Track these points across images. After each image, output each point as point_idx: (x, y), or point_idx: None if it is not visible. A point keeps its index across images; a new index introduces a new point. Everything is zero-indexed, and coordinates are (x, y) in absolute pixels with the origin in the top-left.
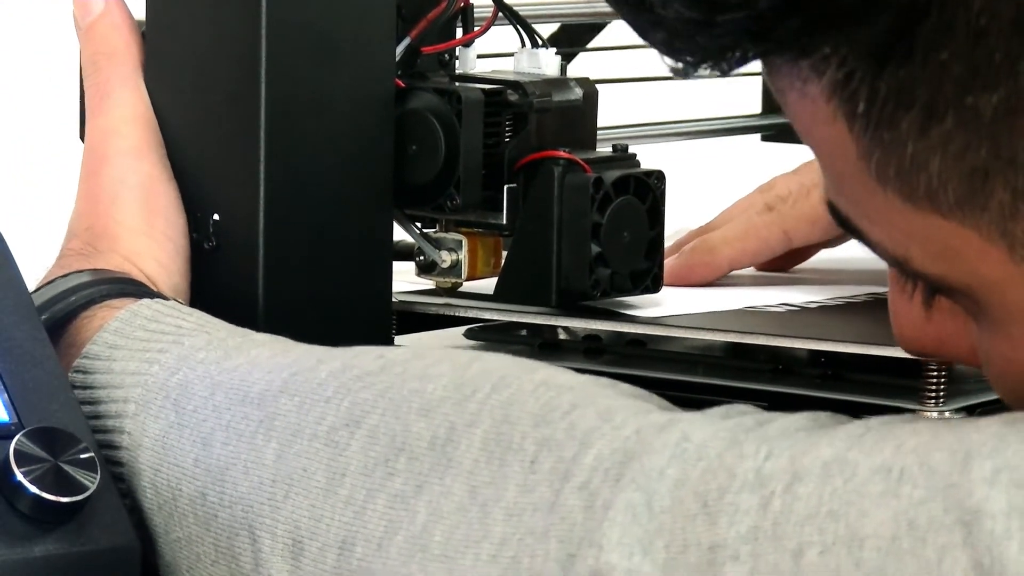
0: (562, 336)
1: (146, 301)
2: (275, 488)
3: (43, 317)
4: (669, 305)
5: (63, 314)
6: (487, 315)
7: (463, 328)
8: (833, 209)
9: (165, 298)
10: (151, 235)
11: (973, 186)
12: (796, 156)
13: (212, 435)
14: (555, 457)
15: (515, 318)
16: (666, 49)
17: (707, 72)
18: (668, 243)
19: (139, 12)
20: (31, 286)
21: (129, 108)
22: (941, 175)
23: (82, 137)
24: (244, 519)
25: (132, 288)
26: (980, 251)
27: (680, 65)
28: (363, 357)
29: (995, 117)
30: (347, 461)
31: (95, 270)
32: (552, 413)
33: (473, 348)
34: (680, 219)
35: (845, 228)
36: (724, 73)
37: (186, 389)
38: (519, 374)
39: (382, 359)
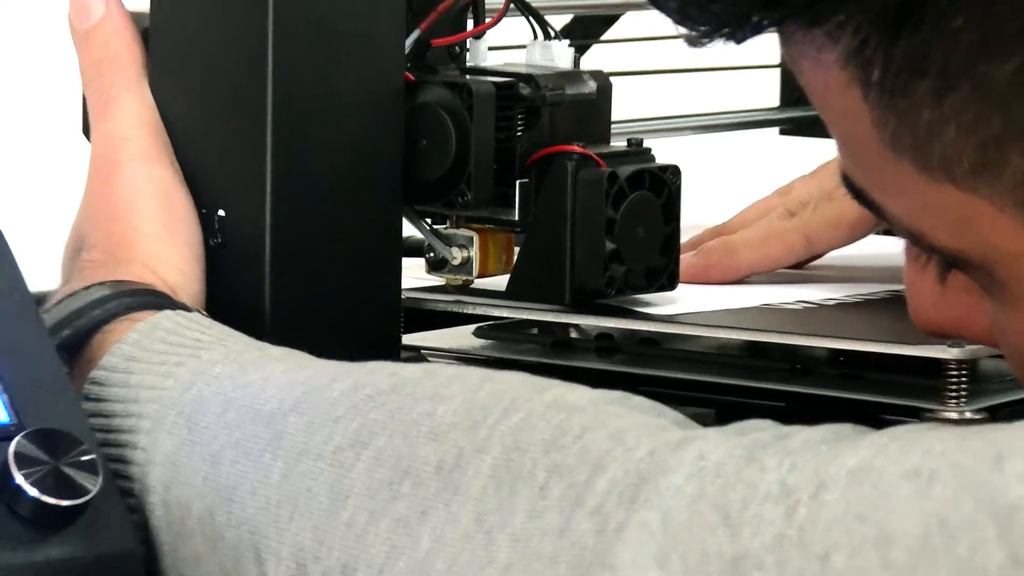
0: (574, 335)
1: (167, 313)
2: (280, 509)
3: (64, 332)
4: (684, 303)
5: (85, 329)
6: (498, 313)
7: (473, 327)
8: (848, 182)
9: (188, 309)
10: (171, 242)
11: (987, 155)
12: (815, 151)
13: (222, 453)
14: (566, 483)
15: (527, 316)
16: (680, 17)
17: (721, 41)
18: (684, 239)
19: (132, 3)
20: (32, 285)
21: (135, 113)
22: (955, 144)
23: (86, 134)
24: (250, 540)
25: (154, 300)
26: (994, 222)
27: (694, 34)
28: (376, 375)
29: (1010, 86)
30: (351, 483)
31: (117, 282)
32: (563, 438)
33: (484, 348)
34: (696, 215)
35: (860, 200)
36: (738, 42)
37: (200, 405)
38: (530, 396)
39: (395, 378)
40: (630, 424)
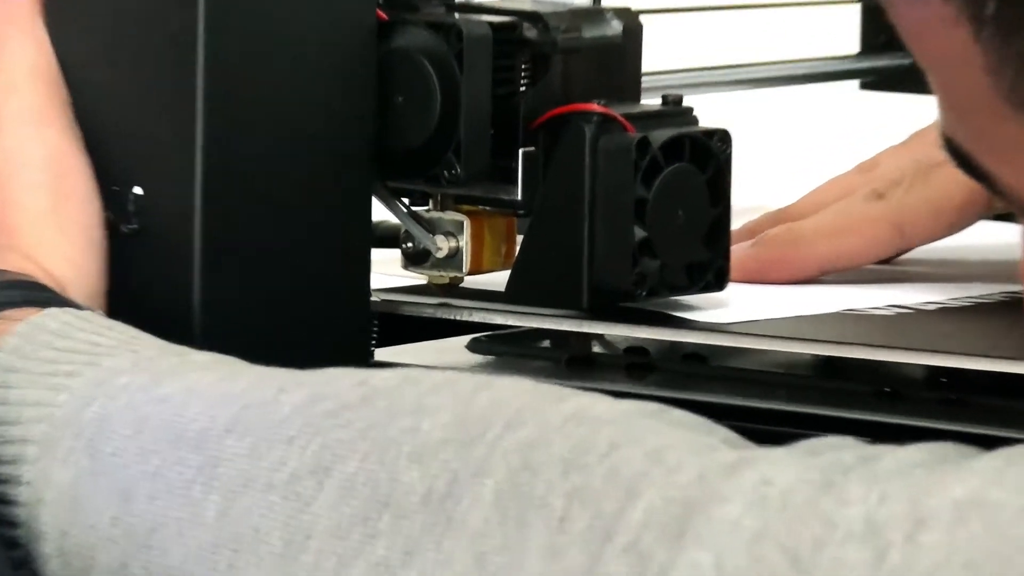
0: (597, 349)
1: (53, 311)
2: (217, 555)
3: None
4: (738, 308)
5: None
6: (498, 320)
7: (466, 338)
8: (950, 145)
9: (79, 307)
10: (60, 225)
11: None
12: (905, 111)
13: (136, 486)
14: (591, 513)
15: (534, 324)
16: None
17: None
18: (736, 225)
19: None
20: None
21: (28, 59)
22: None
23: None
24: None
25: (36, 295)
26: None
27: None
28: (338, 385)
29: None
30: (313, 519)
31: None
32: (586, 456)
33: (480, 367)
34: (752, 195)
35: (964, 168)
36: None
37: (103, 425)
38: (541, 406)
39: (363, 387)
40: (671, 441)
